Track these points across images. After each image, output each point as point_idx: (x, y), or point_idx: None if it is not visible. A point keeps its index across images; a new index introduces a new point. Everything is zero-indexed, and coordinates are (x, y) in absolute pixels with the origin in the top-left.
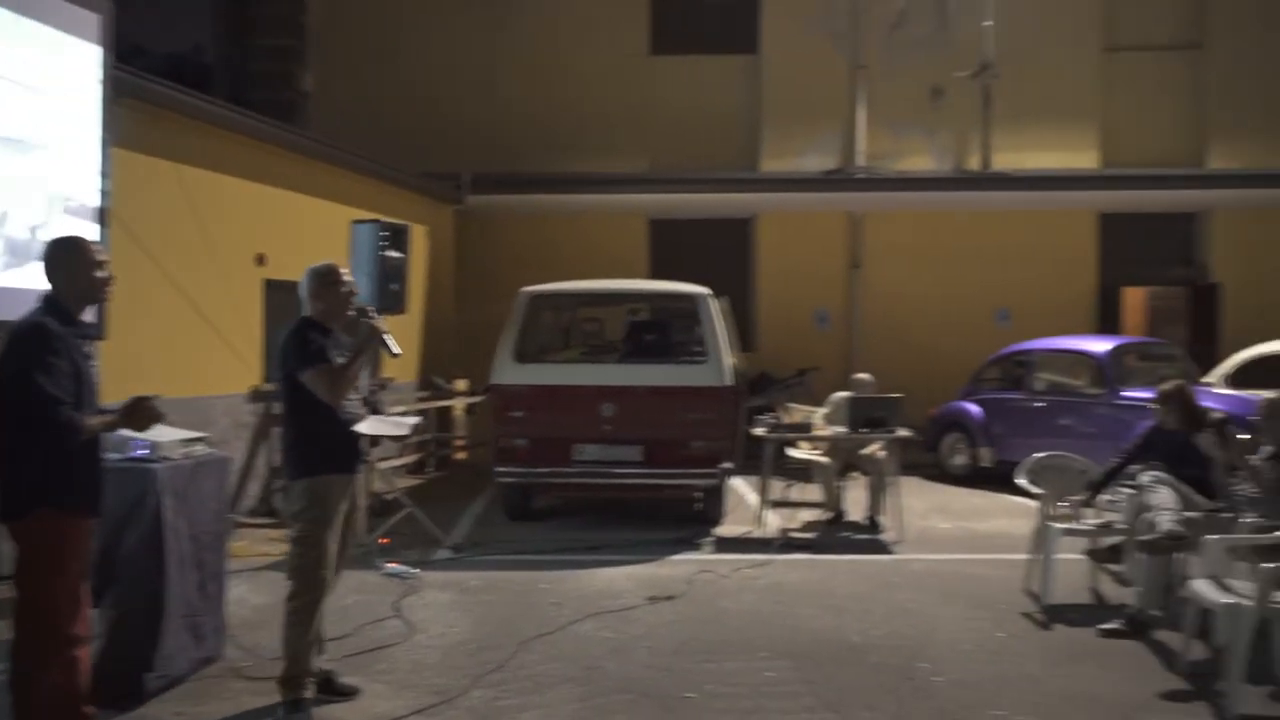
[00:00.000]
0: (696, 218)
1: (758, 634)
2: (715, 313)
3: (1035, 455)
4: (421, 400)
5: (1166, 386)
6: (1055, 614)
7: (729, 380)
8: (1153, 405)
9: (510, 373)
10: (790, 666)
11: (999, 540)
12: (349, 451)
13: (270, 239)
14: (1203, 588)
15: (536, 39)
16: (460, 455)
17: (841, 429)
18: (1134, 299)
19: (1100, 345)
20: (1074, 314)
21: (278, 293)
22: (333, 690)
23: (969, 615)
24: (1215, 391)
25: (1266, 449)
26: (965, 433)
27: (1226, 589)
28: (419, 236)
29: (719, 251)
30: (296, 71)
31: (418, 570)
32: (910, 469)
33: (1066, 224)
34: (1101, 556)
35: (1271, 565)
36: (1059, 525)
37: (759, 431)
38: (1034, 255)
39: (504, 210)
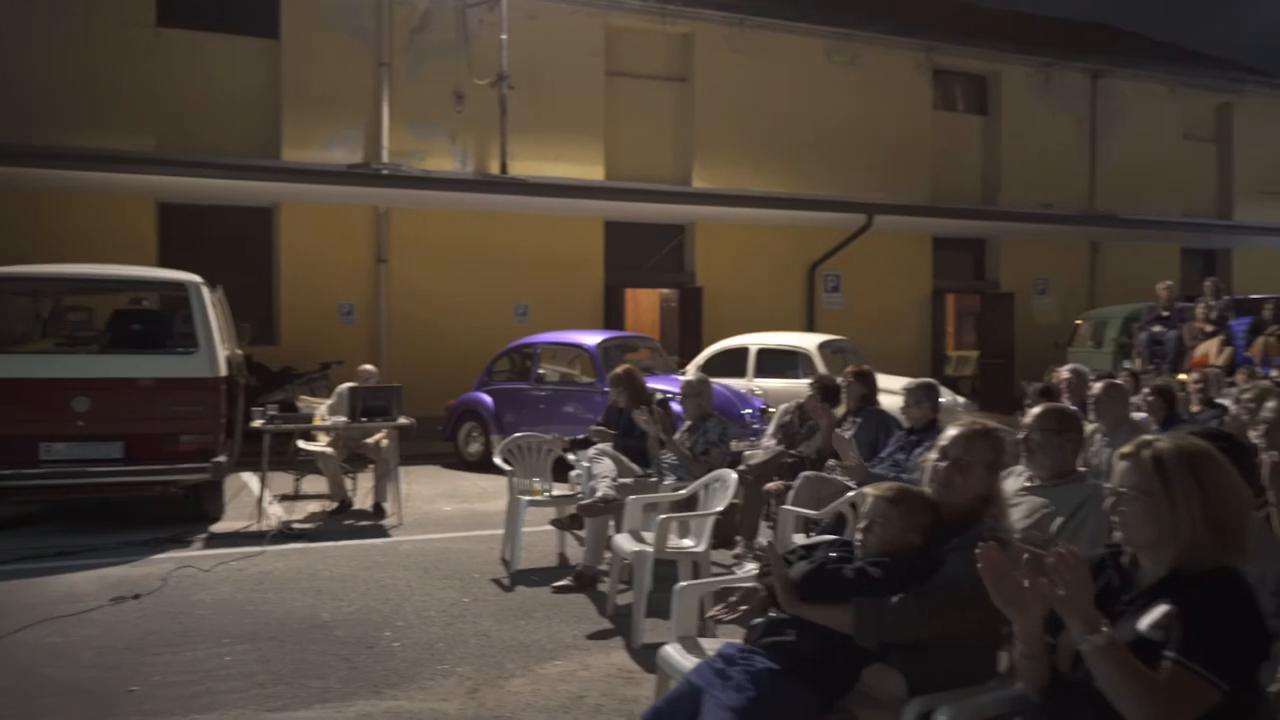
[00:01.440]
0: (214, 204)
1: (226, 622)
2: (208, 301)
3: (512, 436)
4: None
5: (618, 370)
6: (521, 578)
7: (220, 371)
8: (609, 387)
9: None
10: (251, 649)
11: (495, 518)
12: None
13: None
14: (622, 540)
15: None
16: None
17: (341, 418)
18: (648, 299)
19: (590, 339)
20: (584, 311)
21: None
22: None
23: (442, 586)
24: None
25: (686, 423)
26: (480, 421)
27: (641, 540)
28: None
29: (239, 240)
30: None
31: None
32: (431, 458)
33: (577, 229)
34: (565, 524)
35: (665, 515)
36: (525, 498)
37: (257, 423)
38: (549, 256)
39: None
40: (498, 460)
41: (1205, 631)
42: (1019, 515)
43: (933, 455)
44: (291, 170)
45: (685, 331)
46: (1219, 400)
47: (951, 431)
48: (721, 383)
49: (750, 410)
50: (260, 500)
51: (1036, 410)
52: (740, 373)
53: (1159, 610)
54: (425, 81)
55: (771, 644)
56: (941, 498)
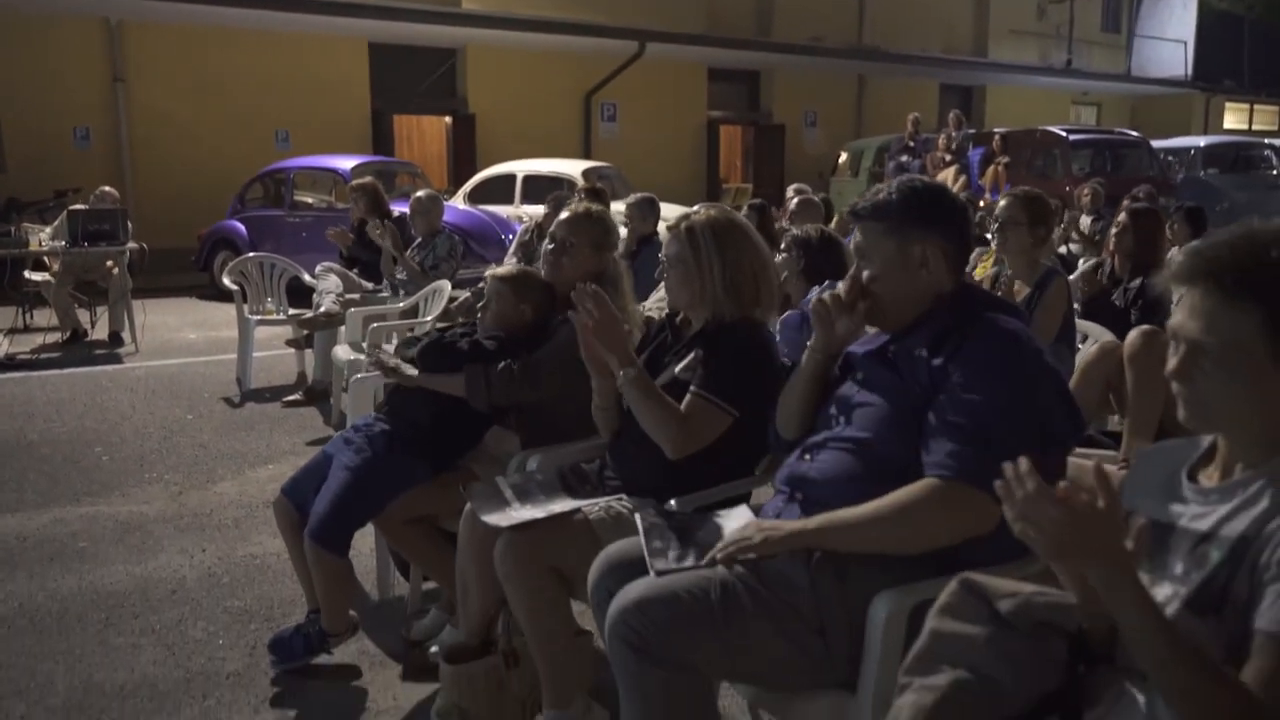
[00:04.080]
0: None
1: None
2: None
3: (242, 258)
4: None
5: (356, 181)
6: (253, 396)
7: None
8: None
9: None
10: None
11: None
12: None
13: None
14: (341, 351)
15: None
16: None
17: (61, 243)
18: (433, 128)
19: (346, 163)
20: (350, 138)
21: None
22: None
23: (168, 406)
24: (456, 206)
25: (416, 240)
26: (234, 250)
27: (359, 351)
28: None
29: None
30: None
31: None
32: (187, 290)
33: (338, 50)
34: (300, 343)
35: (377, 324)
36: (255, 318)
37: None
38: (309, 80)
39: None
40: (226, 281)
41: (720, 370)
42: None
43: (546, 243)
44: None
45: (459, 160)
46: None
47: (561, 215)
48: (487, 209)
49: (509, 235)
50: None
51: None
52: (508, 199)
53: (690, 355)
54: None
55: (390, 411)
56: (552, 278)
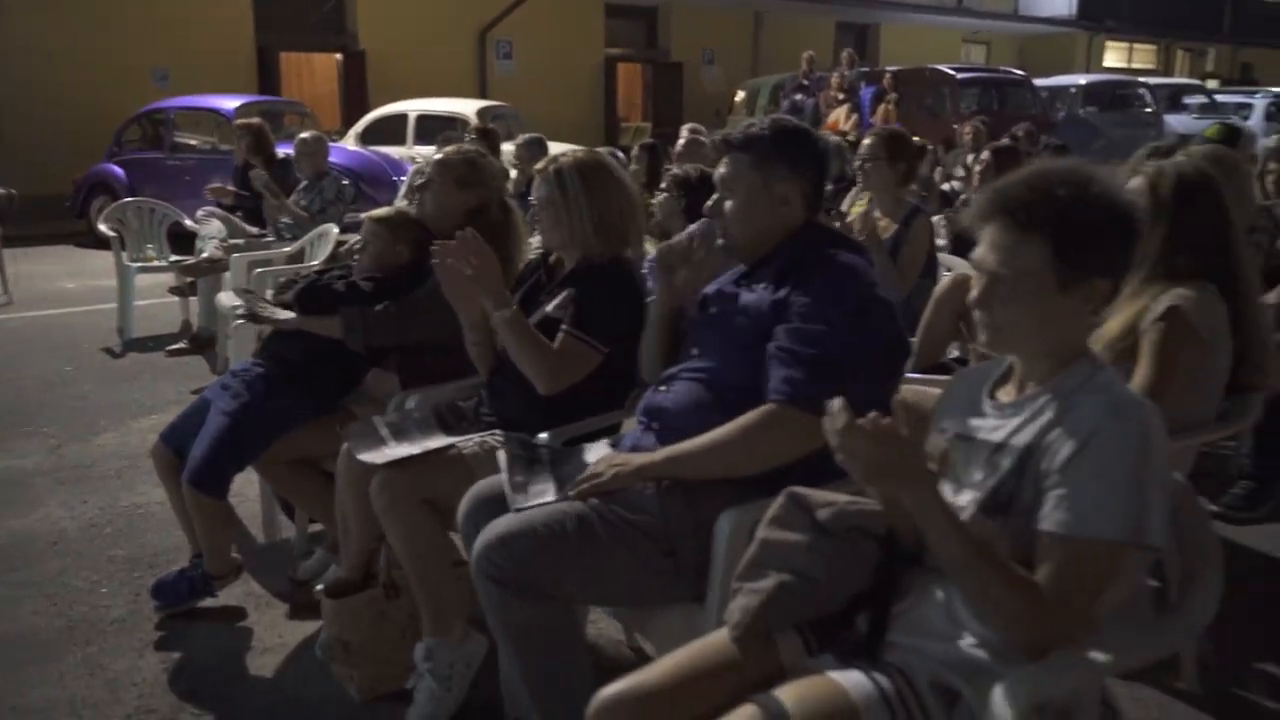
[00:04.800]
0: None
1: None
2: None
3: (120, 202)
4: None
5: (245, 120)
6: (136, 345)
7: None
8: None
9: None
10: None
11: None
12: None
13: None
14: (224, 297)
15: None
16: None
17: None
18: (324, 66)
19: (229, 102)
20: (234, 76)
21: None
22: None
23: (46, 358)
24: (346, 148)
25: (303, 183)
26: (112, 195)
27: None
28: None
29: None
30: None
31: None
32: (65, 238)
33: None
34: (185, 290)
35: (261, 269)
36: (135, 265)
37: None
38: (187, 13)
39: None
40: (102, 227)
41: (591, 309)
42: None
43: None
44: None
45: (349, 99)
46: None
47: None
48: (379, 150)
49: (401, 177)
50: None
51: None
52: (401, 140)
53: (562, 294)
54: None
55: (268, 354)
56: (421, 215)
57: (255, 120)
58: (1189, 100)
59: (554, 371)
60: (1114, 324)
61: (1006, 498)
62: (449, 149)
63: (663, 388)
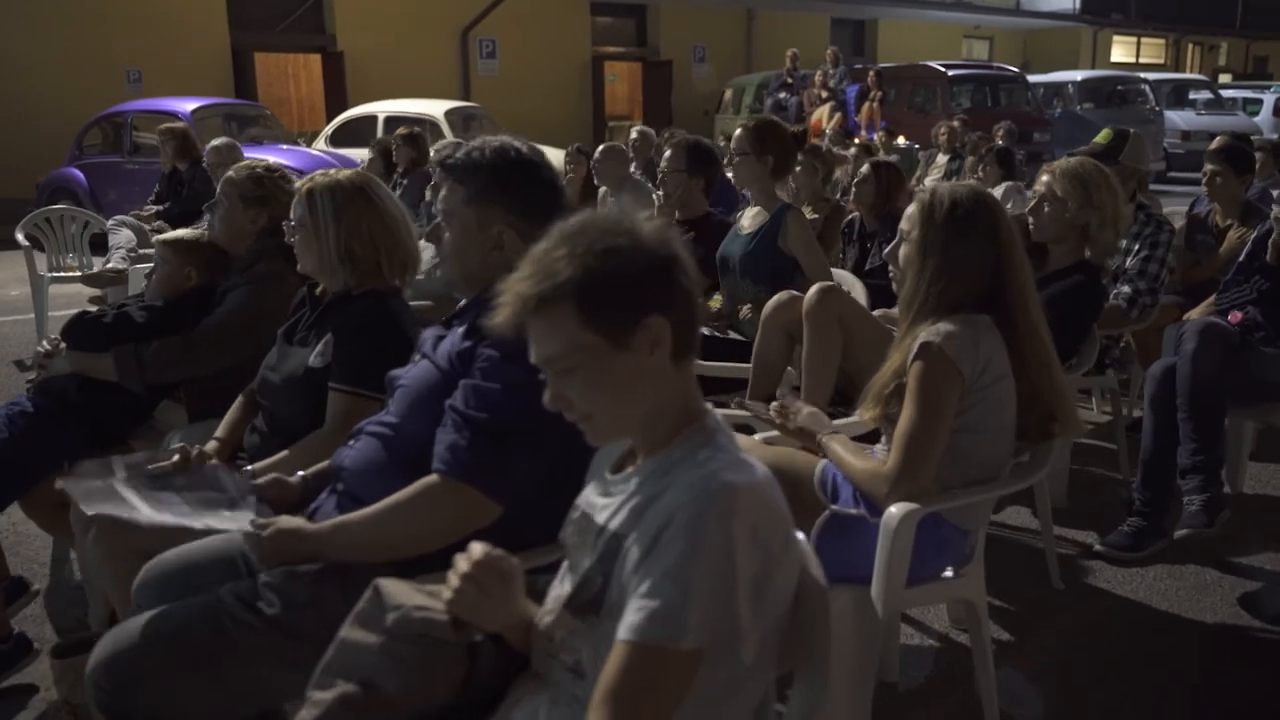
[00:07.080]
0: None
1: None
2: None
3: (36, 211)
4: None
5: (171, 124)
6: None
7: None
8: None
9: None
10: None
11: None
12: None
13: None
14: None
15: None
16: None
17: None
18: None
19: (188, 105)
20: (208, 77)
21: None
22: None
23: None
24: (308, 151)
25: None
26: (74, 200)
27: None
28: None
29: None
30: None
31: None
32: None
33: None
34: (103, 301)
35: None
36: (48, 275)
37: None
38: (160, 14)
39: None
40: (18, 236)
41: (348, 355)
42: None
43: None
44: None
45: (328, 101)
46: None
47: None
48: (342, 153)
49: None
50: None
51: None
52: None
53: (323, 341)
54: None
55: (39, 388)
56: (216, 238)
57: (179, 125)
58: (1195, 96)
59: (346, 425)
60: (885, 368)
61: (597, 595)
62: (239, 165)
63: (352, 441)
